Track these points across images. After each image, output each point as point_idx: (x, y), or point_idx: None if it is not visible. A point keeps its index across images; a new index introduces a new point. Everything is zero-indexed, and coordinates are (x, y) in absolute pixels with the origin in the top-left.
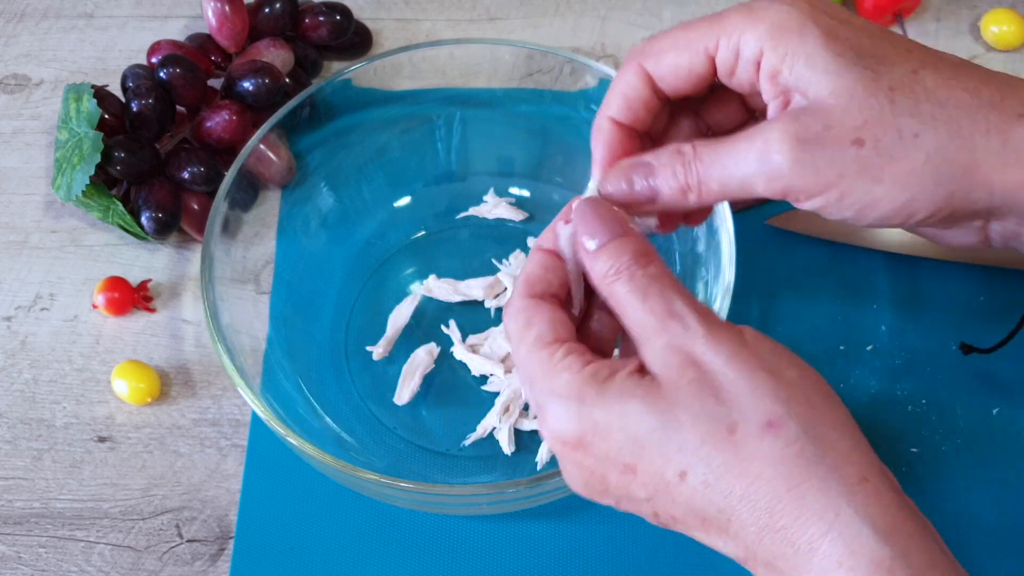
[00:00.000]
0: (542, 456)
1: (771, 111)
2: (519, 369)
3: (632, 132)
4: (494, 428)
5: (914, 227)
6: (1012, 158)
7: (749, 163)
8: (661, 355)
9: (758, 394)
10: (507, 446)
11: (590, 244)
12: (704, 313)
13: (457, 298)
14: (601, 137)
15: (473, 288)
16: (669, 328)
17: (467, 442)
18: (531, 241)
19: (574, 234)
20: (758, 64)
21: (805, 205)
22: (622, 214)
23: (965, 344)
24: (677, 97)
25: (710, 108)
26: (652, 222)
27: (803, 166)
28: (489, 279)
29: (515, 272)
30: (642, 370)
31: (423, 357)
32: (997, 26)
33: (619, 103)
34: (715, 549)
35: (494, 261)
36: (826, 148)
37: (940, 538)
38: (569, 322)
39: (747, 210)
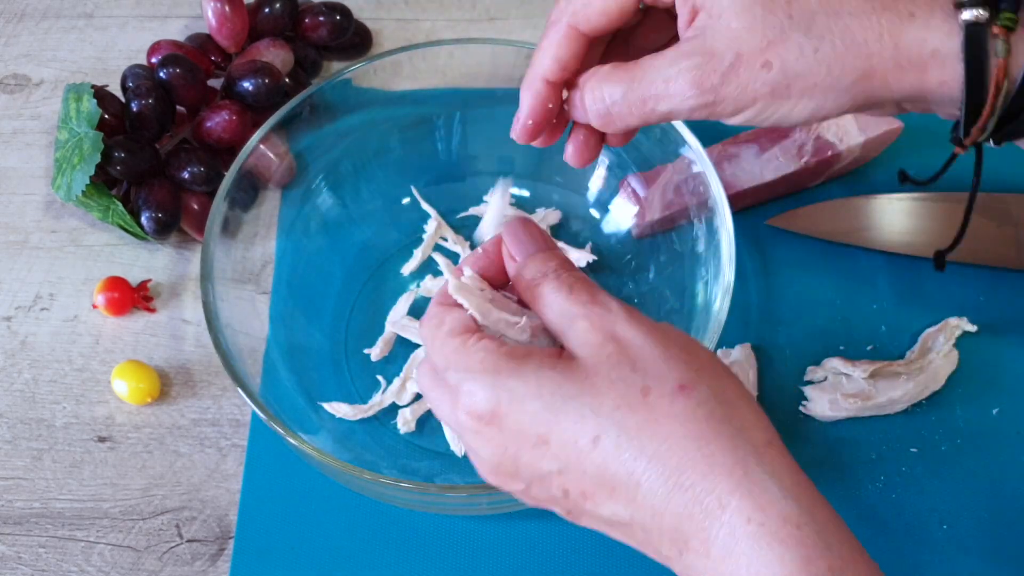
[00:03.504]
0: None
1: (680, 23)
2: (434, 362)
3: (559, 85)
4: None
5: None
6: (905, 63)
7: (673, 93)
8: (582, 336)
9: (671, 364)
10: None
11: (518, 255)
12: (626, 304)
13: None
14: (532, 94)
15: None
16: (592, 311)
17: None
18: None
19: (502, 247)
20: None
21: (729, 121)
22: (548, 236)
23: (902, 171)
24: (607, 35)
25: (639, 33)
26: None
27: (720, 94)
28: None
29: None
30: (560, 355)
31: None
32: None
33: (550, 66)
34: (618, 527)
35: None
36: (739, 76)
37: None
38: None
39: (747, 210)
